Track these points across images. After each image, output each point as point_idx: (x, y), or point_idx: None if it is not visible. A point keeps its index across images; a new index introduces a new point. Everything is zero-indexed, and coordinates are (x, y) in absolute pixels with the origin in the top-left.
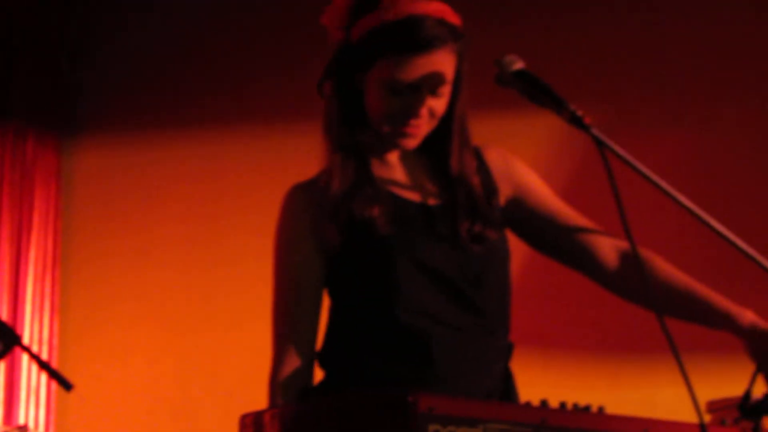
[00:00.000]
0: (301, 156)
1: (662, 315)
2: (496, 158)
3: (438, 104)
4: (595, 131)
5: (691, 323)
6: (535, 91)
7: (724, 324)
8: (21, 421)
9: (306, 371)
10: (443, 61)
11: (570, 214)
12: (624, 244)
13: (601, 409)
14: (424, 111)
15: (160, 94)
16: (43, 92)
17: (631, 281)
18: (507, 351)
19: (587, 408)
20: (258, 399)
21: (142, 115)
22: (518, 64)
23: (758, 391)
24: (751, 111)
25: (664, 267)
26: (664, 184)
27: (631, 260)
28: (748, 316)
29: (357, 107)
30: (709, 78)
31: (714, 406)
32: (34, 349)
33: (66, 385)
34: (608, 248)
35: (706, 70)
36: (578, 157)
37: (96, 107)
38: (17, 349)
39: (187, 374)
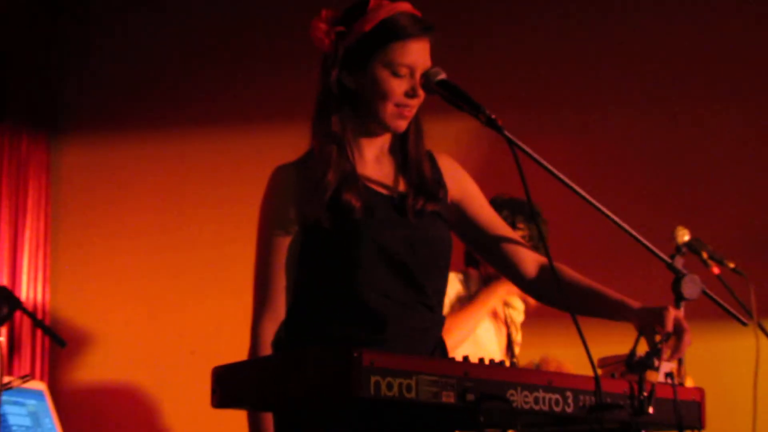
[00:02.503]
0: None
1: (574, 313)
2: (447, 163)
3: (421, 90)
4: (506, 132)
5: (595, 317)
6: (455, 98)
7: (620, 311)
8: (24, 372)
9: (279, 331)
10: (424, 49)
11: (501, 226)
12: (541, 258)
13: (513, 364)
14: (420, 91)
15: (136, 99)
16: (34, 97)
17: (546, 288)
18: (440, 323)
19: (502, 363)
20: (224, 360)
21: (120, 117)
22: (441, 75)
23: (641, 350)
24: (632, 118)
25: (572, 274)
26: (560, 174)
27: (546, 271)
28: (635, 303)
29: (347, 103)
30: (597, 88)
31: (605, 362)
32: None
33: (59, 341)
34: (529, 260)
35: (597, 81)
36: (484, 153)
37: (80, 111)
38: (18, 312)
39: (159, 333)
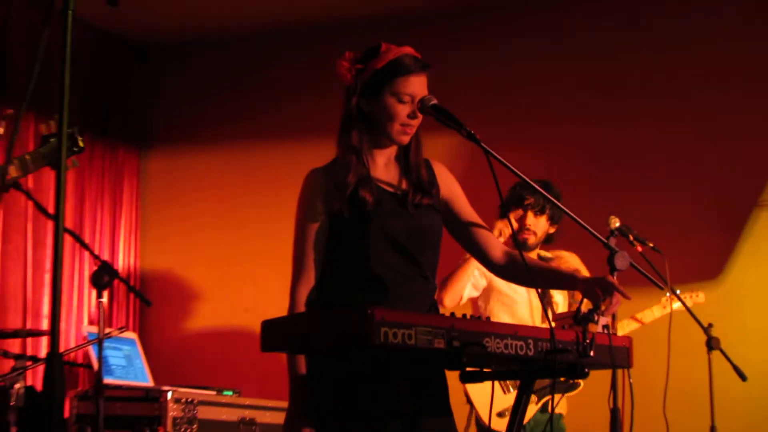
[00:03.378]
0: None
1: (534, 287)
2: (440, 168)
3: (420, 113)
4: (483, 144)
5: (552, 288)
6: (444, 118)
7: (569, 282)
8: (120, 324)
9: (312, 295)
10: (422, 82)
11: (477, 220)
12: (504, 247)
13: (488, 318)
14: (418, 114)
15: (206, 119)
16: (128, 119)
17: (509, 270)
18: (433, 289)
19: (479, 317)
20: (270, 316)
21: (193, 133)
22: (433, 101)
23: (584, 308)
24: (579, 129)
25: (531, 258)
26: (523, 175)
27: (509, 257)
28: (579, 275)
29: (364, 122)
30: (551, 104)
31: (558, 317)
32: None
33: (146, 302)
34: (496, 248)
35: (551, 98)
36: (466, 161)
37: (162, 129)
38: (116, 280)
39: (222, 296)
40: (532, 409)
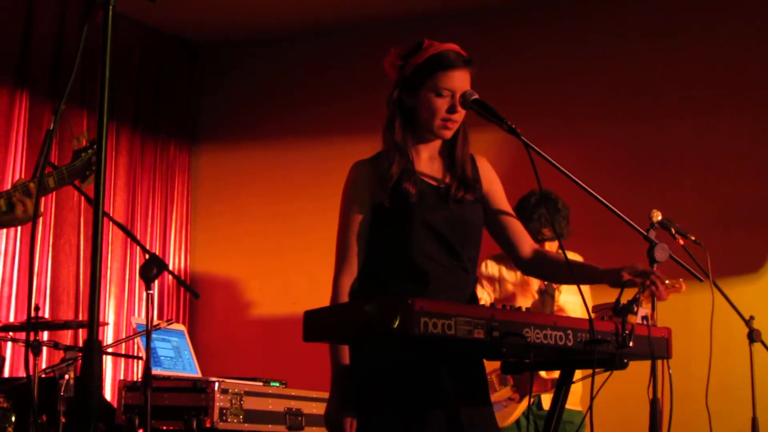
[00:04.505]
0: (339, 154)
1: (573, 283)
2: (483, 164)
3: (461, 107)
4: (524, 137)
5: (584, 283)
6: (486, 112)
7: (601, 276)
8: (169, 317)
9: (354, 285)
10: (464, 77)
11: (512, 218)
12: (535, 245)
13: (528, 309)
14: (458, 108)
15: (252, 117)
16: (179, 117)
17: (538, 267)
18: (474, 282)
19: (519, 308)
20: (316, 304)
21: (240, 130)
22: (474, 96)
23: (624, 300)
24: (619, 125)
25: (558, 255)
26: (565, 170)
27: (538, 254)
28: (608, 269)
29: (407, 117)
30: (592, 102)
31: (596, 309)
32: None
33: (195, 294)
34: (526, 245)
35: (592, 96)
36: (510, 157)
37: (211, 126)
38: (165, 273)
39: (269, 289)
40: (518, 409)
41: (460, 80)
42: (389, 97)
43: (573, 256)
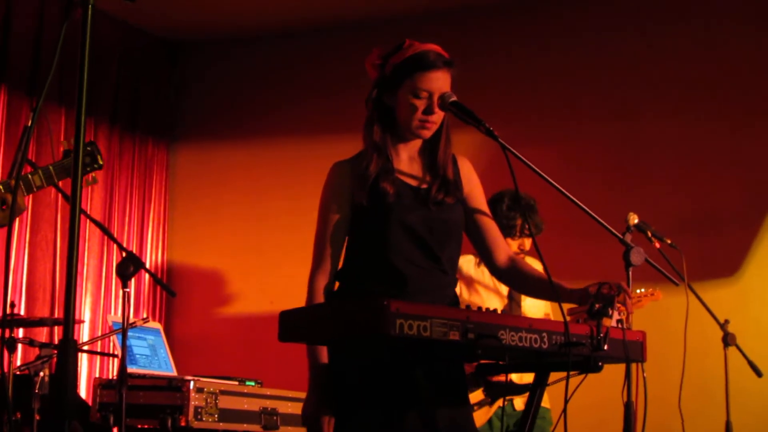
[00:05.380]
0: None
1: (529, 295)
2: (465, 166)
3: (438, 109)
4: (501, 140)
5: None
6: (464, 114)
7: (570, 296)
8: (144, 315)
9: (330, 285)
10: (443, 78)
11: (489, 221)
12: (510, 252)
13: (504, 311)
14: (436, 109)
15: (231, 116)
16: (157, 115)
17: (510, 276)
18: (453, 283)
19: (495, 310)
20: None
21: (219, 129)
22: (453, 98)
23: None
24: (597, 128)
25: (532, 269)
26: (541, 172)
27: (511, 262)
28: (575, 288)
29: (387, 116)
30: (569, 104)
31: (572, 312)
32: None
33: (171, 292)
34: (501, 252)
35: (570, 99)
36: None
37: (190, 124)
38: (142, 271)
39: (247, 289)
40: (490, 411)
41: (438, 81)
42: (368, 96)
43: (533, 262)
